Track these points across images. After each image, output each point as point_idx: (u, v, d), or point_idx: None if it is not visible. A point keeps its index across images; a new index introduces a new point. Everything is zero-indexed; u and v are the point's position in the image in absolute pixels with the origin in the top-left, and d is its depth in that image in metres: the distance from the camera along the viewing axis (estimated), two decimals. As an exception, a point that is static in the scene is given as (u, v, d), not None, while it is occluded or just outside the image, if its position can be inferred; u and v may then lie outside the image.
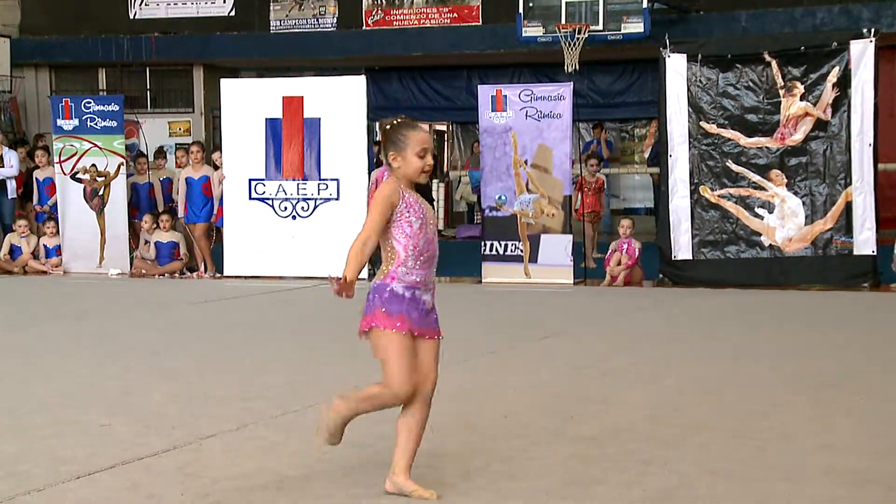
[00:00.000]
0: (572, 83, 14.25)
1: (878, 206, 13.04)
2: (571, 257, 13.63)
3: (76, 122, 15.37)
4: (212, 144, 20.17)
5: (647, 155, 22.73)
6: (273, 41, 21.41)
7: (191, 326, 10.56)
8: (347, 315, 11.23)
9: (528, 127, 13.83)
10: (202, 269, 15.01)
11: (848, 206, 12.96)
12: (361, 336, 4.86)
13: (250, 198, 14.67)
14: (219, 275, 14.80)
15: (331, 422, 4.92)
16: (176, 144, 20.24)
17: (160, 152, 17.58)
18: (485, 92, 14.15)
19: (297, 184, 14.56)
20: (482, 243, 14.12)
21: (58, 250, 15.53)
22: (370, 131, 14.93)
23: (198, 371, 8.01)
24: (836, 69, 12.93)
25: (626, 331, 10.05)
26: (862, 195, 12.92)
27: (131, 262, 15.24)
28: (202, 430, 6.12)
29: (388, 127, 4.91)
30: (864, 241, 12.94)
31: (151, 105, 22.91)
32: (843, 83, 12.91)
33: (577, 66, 18.03)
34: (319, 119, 14.45)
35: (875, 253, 12.94)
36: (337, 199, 14.41)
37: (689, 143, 13.41)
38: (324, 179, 14.46)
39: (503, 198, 13.94)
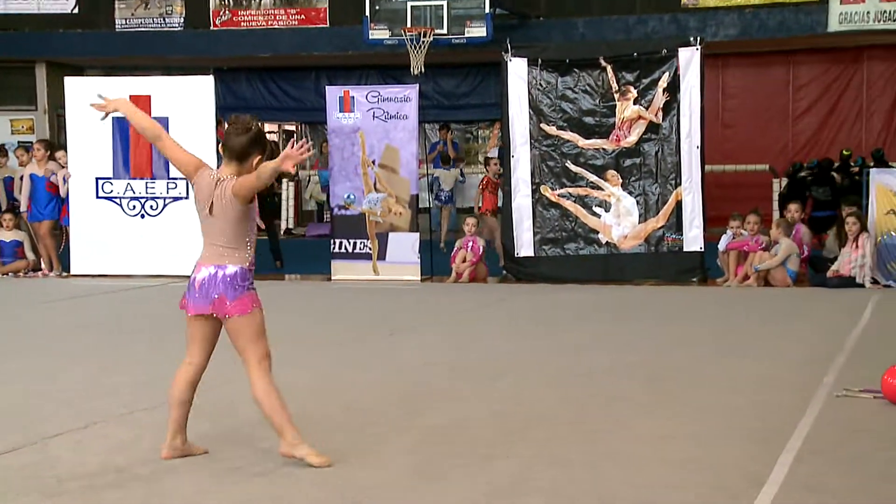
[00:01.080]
0: (418, 85, 14.29)
1: (706, 205, 13.40)
2: (419, 255, 13.66)
3: (-87, 118, 14.73)
4: (57, 143, 19.53)
5: (490, 155, 22.94)
6: (119, 39, 20.88)
7: (36, 327, 10.22)
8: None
9: (375, 127, 13.80)
10: (46, 268, 14.55)
11: (678, 205, 13.28)
12: (234, 315, 5.17)
13: (97, 196, 14.30)
14: (65, 274, 14.37)
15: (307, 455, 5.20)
16: (18, 142, 19.53)
17: (1, 150, 16.96)
18: (332, 93, 14.08)
19: (146, 182, 14.25)
20: (331, 241, 14.03)
21: None
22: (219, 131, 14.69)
23: (43, 372, 7.75)
24: (667, 75, 13.25)
25: (472, 326, 10.11)
26: (690, 195, 13.25)
27: (-26, 262, 14.67)
28: (47, 430, 5.92)
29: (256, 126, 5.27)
30: (693, 238, 13.28)
31: (-9, 101, 22.10)
32: (673, 88, 13.24)
33: (423, 69, 18.11)
34: (167, 118, 14.11)
35: (703, 249, 13.29)
36: (186, 197, 14.13)
37: (531, 144, 13.56)
38: (172, 178, 14.18)
39: (352, 197, 13.88)
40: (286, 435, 5.21)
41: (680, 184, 13.26)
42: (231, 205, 5.15)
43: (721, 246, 13.22)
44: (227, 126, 5.28)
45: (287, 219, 22.07)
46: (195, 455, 5.40)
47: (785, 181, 17.96)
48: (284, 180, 21.88)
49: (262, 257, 15.54)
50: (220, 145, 5.25)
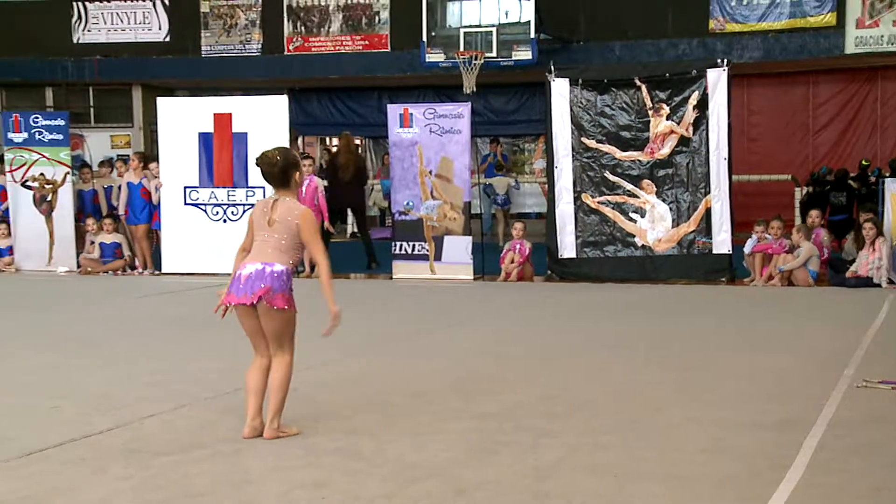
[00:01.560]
0: (470, 103, 14.27)
1: (733, 212, 13.28)
2: (471, 256, 13.66)
3: (25, 135, 14.97)
4: (150, 155, 19.80)
5: (536, 166, 22.97)
6: (204, 64, 21.10)
7: (132, 318, 10.37)
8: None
9: (431, 141, 13.83)
10: (141, 266, 14.75)
11: (708, 212, 13.18)
12: (273, 308, 5.34)
13: (185, 203, 14.47)
14: (157, 272, 14.56)
15: (257, 432, 5.36)
16: (117, 155, 19.83)
17: (106, 162, 17.21)
18: (393, 110, 14.12)
19: (227, 191, 14.39)
20: (393, 244, 14.10)
21: (10, 250, 15.13)
22: (292, 144, 14.80)
23: (139, 358, 7.86)
24: (696, 93, 13.15)
25: (519, 321, 10.11)
26: (719, 202, 13.15)
27: (78, 261, 14.90)
28: (143, 411, 6.01)
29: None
30: (722, 241, 13.18)
31: (95, 120, 22.42)
32: (702, 105, 13.13)
33: (475, 88, 18.10)
34: (246, 133, 14.29)
35: (731, 252, 13.17)
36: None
37: (573, 156, 13.52)
38: (251, 187, 14.31)
39: (411, 203, 13.93)
40: (276, 421, 5.37)
41: (709, 192, 13.16)
42: (292, 224, 5.39)
43: (747, 249, 13.11)
44: (257, 163, 5.49)
45: (353, 223, 22.13)
46: (290, 435, 5.39)
47: (806, 190, 17.75)
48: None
49: (359, 257, 15.55)
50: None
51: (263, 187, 14.21)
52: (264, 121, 14.21)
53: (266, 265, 5.38)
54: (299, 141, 24.26)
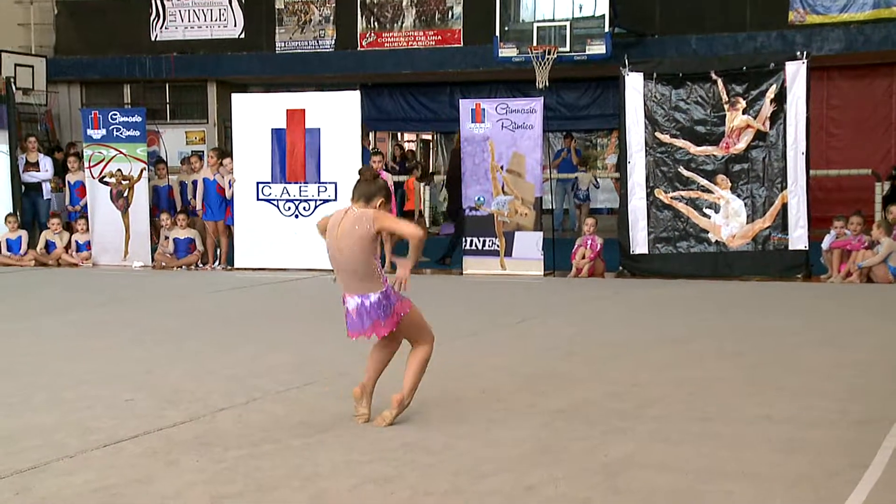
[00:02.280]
0: (543, 98, 14.22)
1: (810, 207, 13.07)
2: (542, 251, 13.63)
3: (104, 131, 15.29)
4: (225, 151, 20.09)
5: (608, 161, 22.80)
6: (278, 60, 21.33)
7: (205, 312, 10.53)
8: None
9: (503, 136, 13.81)
10: (212, 262, 14.95)
11: (784, 207, 12.99)
12: (385, 333, 5.55)
13: (258, 199, 14.63)
14: (230, 267, 14.76)
15: (401, 411, 5.58)
16: (192, 151, 20.16)
17: (186, 159, 17.51)
18: (465, 105, 14.13)
19: (300, 186, 14.53)
20: (463, 240, 14.12)
21: (88, 245, 15.47)
22: (364, 140, 14.90)
23: (211, 352, 7.99)
24: (774, 87, 12.96)
25: (589, 316, 10.06)
26: (796, 197, 12.95)
27: (153, 256, 15.18)
28: (215, 404, 6.10)
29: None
30: (798, 237, 12.98)
31: (171, 116, 22.81)
32: (780, 99, 12.94)
33: (547, 83, 18.02)
34: (319, 129, 14.42)
35: (807, 248, 12.97)
36: (335, 199, 14.37)
37: (646, 151, 13.41)
38: (323, 182, 14.43)
39: (482, 199, 13.93)
40: (400, 406, 5.59)
41: (786, 187, 12.97)
42: (360, 234, 5.41)
43: (825, 245, 12.90)
44: (359, 176, 5.63)
45: (423, 218, 22.23)
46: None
47: (887, 185, 17.36)
48: (420, 183, 22.05)
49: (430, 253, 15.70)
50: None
51: (336, 183, 14.35)
52: (337, 116, 14.33)
53: (363, 298, 5.52)
54: (371, 136, 24.42)
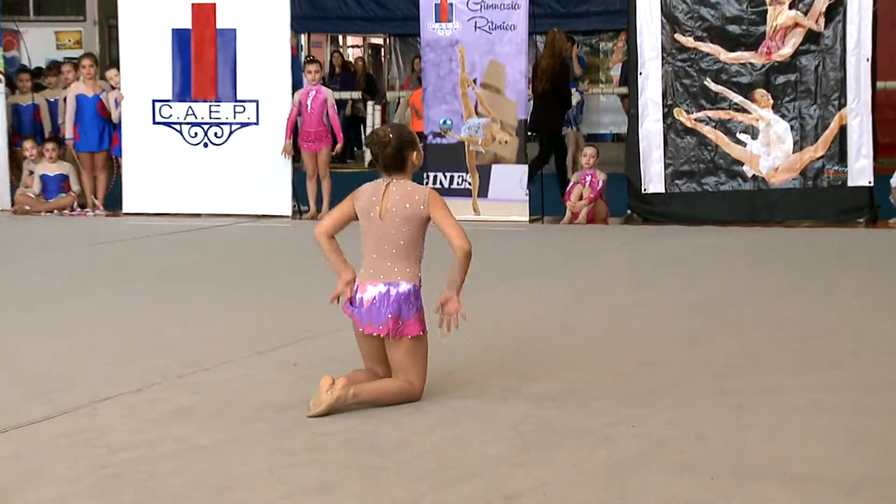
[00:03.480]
0: (528, -11, 14.16)
1: (876, 131, 13.12)
2: (527, 191, 13.62)
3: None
4: (107, 59, 19.86)
5: (614, 73, 22.77)
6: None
7: (85, 272, 10.45)
8: (270, 259, 11.18)
9: (477, 40, 13.75)
10: (91, 206, 14.83)
11: (842, 131, 13.05)
12: (406, 336, 5.79)
13: (154, 122, 14.53)
14: (115, 212, 14.65)
15: (338, 402, 5.58)
16: (65, 58, 19.88)
17: (49, 68, 17.29)
18: (427, 1, 14.04)
19: (209, 106, 14.43)
20: (424, 175, 14.07)
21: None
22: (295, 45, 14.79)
23: (93, 324, 7.93)
24: (830, -28, 12.99)
25: (589, 275, 10.08)
26: (858, 118, 13.01)
27: (13, 197, 15.02)
28: (97, 392, 6.06)
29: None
30: (860, 170, 13.05)
31: (35, 12, 22.49)
32: (838, -12, 12.98)
33: (534, -31, 17.92)
34: (235, 30, 14.30)
35: (872, 184, 13.06)
36: (256, 123, 14.29)
37: (662, 58, 13.41)
38: (240, 101, 14.33)
39: (449, 122, 13.89)
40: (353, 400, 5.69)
41: (845, 104, 13.03)
42: (412, 214, 5.78)
43: (895, 180, 12.99)
44: (367, 144, 6.12)
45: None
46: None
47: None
48: (370, 103, 21.98)
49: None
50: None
51: (256, 101, 14.25)
52: (258, 13, 14.23)
53: (390, 286, 5.78)
54: (303, 40, 24.24)
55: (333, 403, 5.56)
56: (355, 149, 23.03)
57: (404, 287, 5.80)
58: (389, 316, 5.76)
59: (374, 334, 5.81)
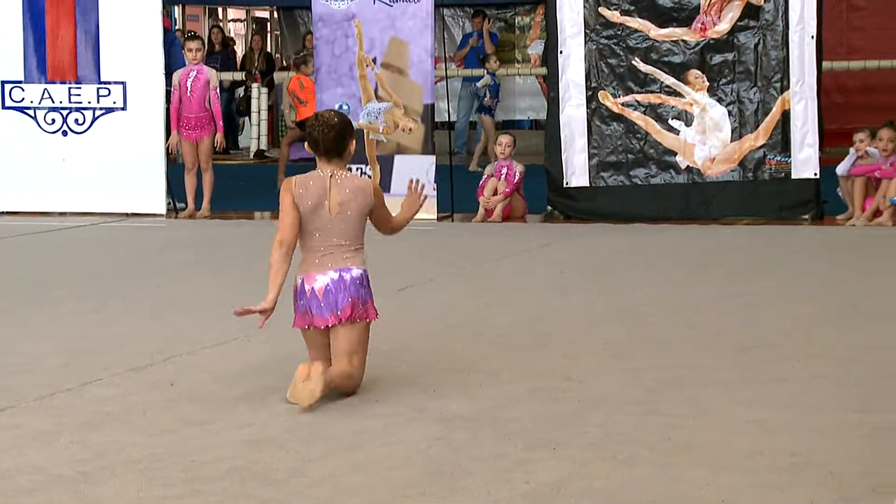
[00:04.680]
0: (434, -44, 14.21)
1: (822, 117, 13.30)
2: (435, 185, 13.65)
3: None
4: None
5: (532, 51, 22.91)
6: None
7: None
8: (142, 264, 11.09)
9: (376, 14, 13.75)
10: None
11: (785, 117, 13.22)
12: (364, 320, 6.38)
13: (4, 107, 14.36)
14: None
15: (326, 388, 6.08)
16: None
17: None
18: (319, -32, 14.04)
19: (69, 88, 14.28)
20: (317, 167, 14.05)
21: None
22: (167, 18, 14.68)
23: (-63, 340, 7.83)
24: (771, -62, 13.16)
25: (505, 280, 10.12)
26: (802, 102, 13.18)
27: None
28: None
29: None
30: (805, 160, 13.22)
31: None
32: (780, -43, 13.15)
33: (441, -67, 17.99)
34: (97, 1, 14.16)
35: (818, 176, 13.23)
36: (123, 108, 14.17)
37: (585, 35, 13.50)
38: (104, 83, 14.21)
39: (345, 107, 13.87)
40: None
41: (788, 87, 13.19)
42: (363, 206, 6.40)
43: (843, 170, 13.13)
44: (310, 127, 6.50)
45: (258, 137, 22.12)
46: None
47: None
48: (255, 85, 21.89)
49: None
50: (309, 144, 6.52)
51: (124, 83, 14.13)
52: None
53: (342, 271, 6.35)
54: (177, 13, 24.07)
55: (324, 389, 6.02)
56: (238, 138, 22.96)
57: (357, 272, 6.36)
58: (348, 300, 6.27)
59: (330, 325, 6.28)
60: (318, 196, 6.36)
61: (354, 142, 6.57)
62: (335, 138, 6.40)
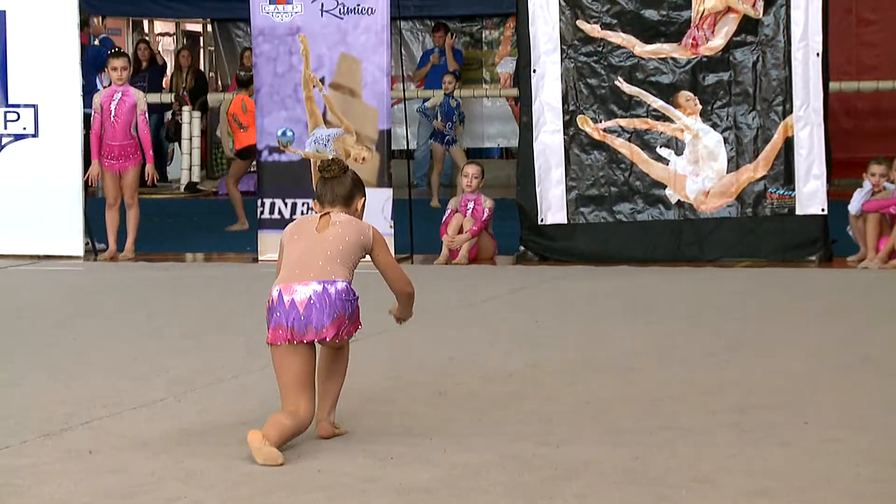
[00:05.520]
0: (390, -36, 14.25)
1: (829, 145, 13.35)
2: (391, 222, 13.64)
3: None
4: None
5: (501, 70, 22.98)
6: None
7: None
8: (56, 314, 11.05)
9: (324, 28, 13.78)
10: None
11: (787, 145, 13.26)
12: (351, 334, 6.79)
13: None
14: None
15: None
16: None
17: None
18: (259, -24, 14.07)
19: (-30, 113, 14.27)
20: (258, 202, 14.05)
21: None
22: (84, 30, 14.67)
23: None
24: (771, -55, 13.25)
25: (472, 330, 10.11)
26: (807, 128, 13.22)
27: None
28: None
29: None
30: (811, 194, 13.26)
31: None
32: (780, -34, 13.24)
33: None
34: (4, 12, 14.15)
35: (826, 212, 13.27)
36: (34, 135, 14.13)
37: (562, 51, 13.54)
38: (12, 106, 14.18)
39: (289, 134, 13.88)
40: (332, 414, 6.85)
41: (791, 111, 13.25)
42: (355, 236, 6.70)
43: (854, 207, 13.17)
44: (319, 172, 6.84)
45: (190, 167, 22.09)
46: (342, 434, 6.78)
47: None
48: (186, 108, 21.87)
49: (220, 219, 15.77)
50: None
51: (35, 105, 14.09)
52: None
53: (325, 283, 6.60)
54: (95, 24, 24.03)
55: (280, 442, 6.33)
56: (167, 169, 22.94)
57: (341, 284, 6.62)
58: (334, 315, 6.55)
59: (312, 340, 6.57)
60: (301, 224, 6.87)
61: (364, 200, 6.92)
62: (340, 187, 6.79)
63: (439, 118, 19.16)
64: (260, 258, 13.88)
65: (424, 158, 21.00)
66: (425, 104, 19.73)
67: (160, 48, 27.30)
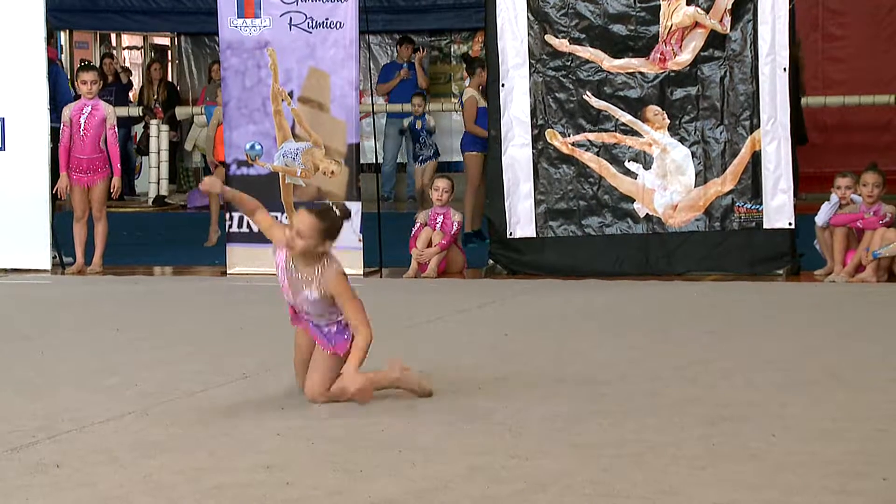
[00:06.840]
0: (358, -23, 14.25)
1: (797, 159, 13.39)
2: (360, 235, 13.64)
3: None
4: None
5: (469, 83, 22.96)
6: None
7: None
8: (22, 327, 11.02)
9: (293, 41, 13.77)
10: None
11: (755, 159, 13.30)
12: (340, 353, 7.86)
13: None
14: None
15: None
16: None
17: None
18: (227, -10, 14.06)
19: (-64, 127, 14.22)
20: (227, 216, 14.02)
21: None
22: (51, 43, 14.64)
23: None
24: (737, -39, 13.29)
25: (439, 344, 10.10)
26: (774, 142, 13.26)
27: None
28: None
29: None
30: (778, 208, 13.30)
31: None
32: (748, -19, 13.28)
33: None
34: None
35: (793, 226, 13.32)
36: (1, 148, 14.09)
37: (530, 66, 13.56)
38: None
39: (257, 148, 13.87)
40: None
41: (758, 126, 13.29)
42: (320, 294, 7.90)
43: (822, 219, 13.21)
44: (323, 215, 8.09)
45: (158, 181, 22.05)
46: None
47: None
48: (154, 121, 21.83)
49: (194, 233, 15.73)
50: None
51: (2, 119, 14.07)
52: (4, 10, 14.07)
53: (319, 326, 8.01)
54: (63, 39, 23.99)
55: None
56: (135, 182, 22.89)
57: (333, 329, 7.91)
58: (338, 342, 7.89)
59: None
60: (281, 274, 8.14)
61: (330, 244, 8.18)
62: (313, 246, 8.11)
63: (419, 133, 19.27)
64: (228, 272, 13.86)
65: (391, 172, 21.00)
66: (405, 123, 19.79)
67: (129, 62, 27.23)
